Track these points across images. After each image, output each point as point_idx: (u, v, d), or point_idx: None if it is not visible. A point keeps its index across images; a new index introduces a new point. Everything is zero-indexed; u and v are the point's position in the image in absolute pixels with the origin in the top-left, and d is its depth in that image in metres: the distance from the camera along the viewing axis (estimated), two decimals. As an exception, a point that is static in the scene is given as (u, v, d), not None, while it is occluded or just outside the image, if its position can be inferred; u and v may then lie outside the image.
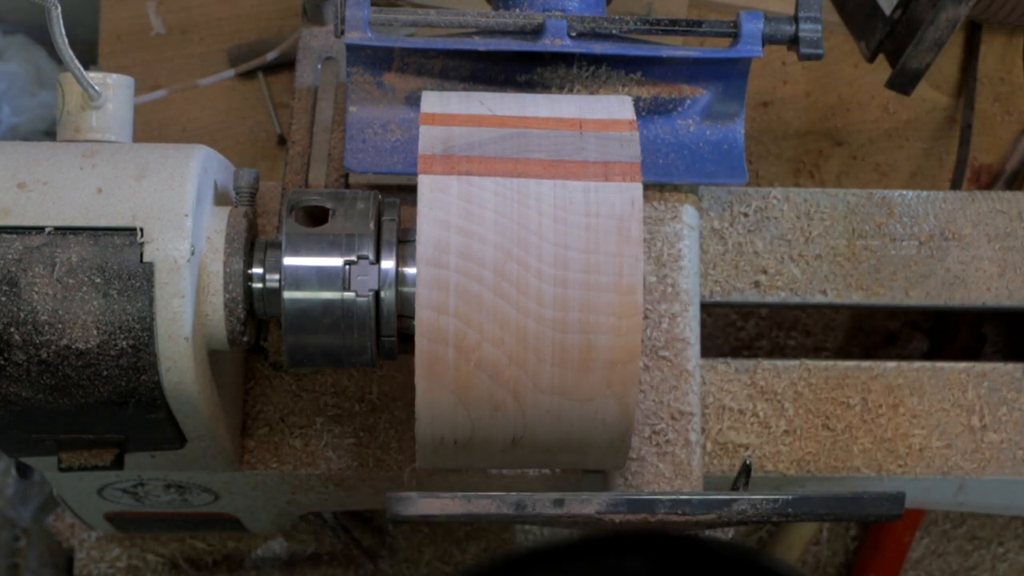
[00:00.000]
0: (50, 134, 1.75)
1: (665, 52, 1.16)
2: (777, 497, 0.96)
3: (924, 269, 1.26)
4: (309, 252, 1.01)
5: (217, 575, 1.57)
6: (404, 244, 1.02)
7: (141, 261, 0.97)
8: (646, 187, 1.17)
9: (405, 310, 1.01)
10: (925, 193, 1.28)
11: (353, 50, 1.15)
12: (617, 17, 1.16)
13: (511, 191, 0.96)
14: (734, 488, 1.10)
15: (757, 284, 1.25)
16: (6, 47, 1.77)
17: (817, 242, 1.26)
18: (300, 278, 1.01)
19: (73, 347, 0.97)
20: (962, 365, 1.26)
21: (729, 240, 1.25)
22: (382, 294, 1.01)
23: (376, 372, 1.22)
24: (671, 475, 1.14)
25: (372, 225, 1.02)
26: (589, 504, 0.95)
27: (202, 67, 1.60)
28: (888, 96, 1.60)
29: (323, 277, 1.01)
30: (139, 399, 1.00)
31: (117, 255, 0.97)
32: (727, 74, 1.17)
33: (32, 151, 1.01)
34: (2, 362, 0.97)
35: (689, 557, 0.74)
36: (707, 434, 1.22)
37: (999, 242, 1.27)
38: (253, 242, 1.05)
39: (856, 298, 1.26)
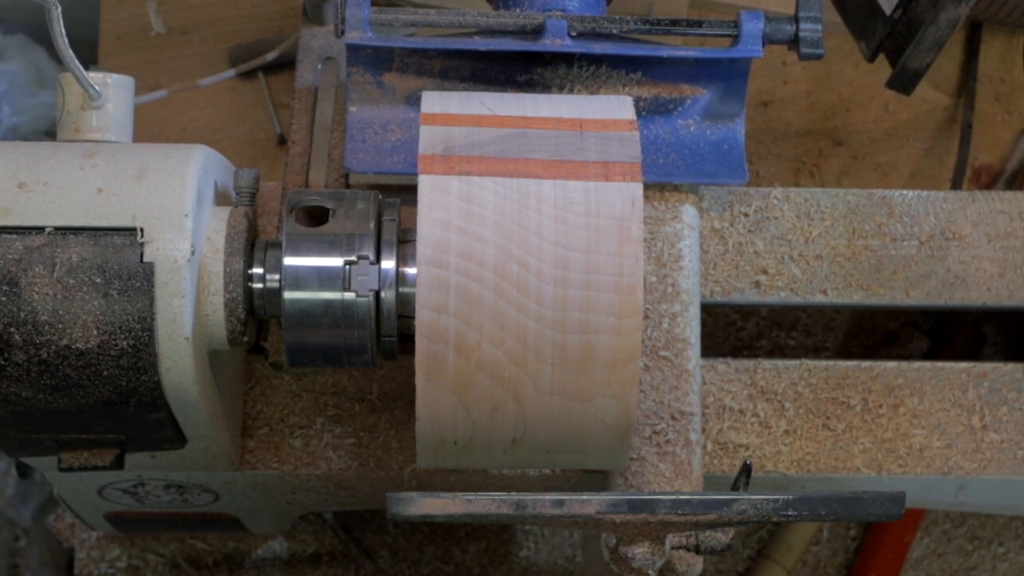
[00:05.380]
0: (50, 134, 1.75)
1: (665, 52, 1.16)
2: (777, 497, 0.96)
3: (924, 269, 1.26)
4: (309, 252, 1.01)
5: (217, 575, 1.57)
6: (404, 244, 1.02)
7: (141, 261, 0.97)
8: (646, 187, 1.17)
9: (405, 310, 1.01)
10: (925, 193, 1.28)
11: (353, 50, 1.15)
12: (617, 17, 1.16)
13: (511, 191, 0.96)
14: (734, 488, 1.10)
15: (757, 284, 1.25)
16: (6, 47, 1.77)
17: (817, 242, 1.26)
18: (300, 278, 1.01)
19: (73, 347, 0.97)
20: (962, 365, 1.26)
21: (729, 240, 1.25)
22: (382, 294, 1.01)
23: (376, 372, 1.22)
24: (671, 475, 1.14)
25: (372, 225, 1.02)
26: (589, 504, 0.95)
27: (202, 67, 1.60)
28: (888, 96, 1.60)
29: (323, 277, 1.01)
30: (139, 399, 1.00)
31: (117, 255, 0.97)
32: (727, 74, 1.17)
33: (32, 151, 1.01)
34: (2, 362, 0.97)
35: None
36: (707, 434, 1.22)
37: (999, 242, 1.27)
38: (253, 242, 1.05)
39: (856, 298, 1.26)
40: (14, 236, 0.97)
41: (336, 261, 1.01)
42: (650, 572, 1.04)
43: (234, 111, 1.60)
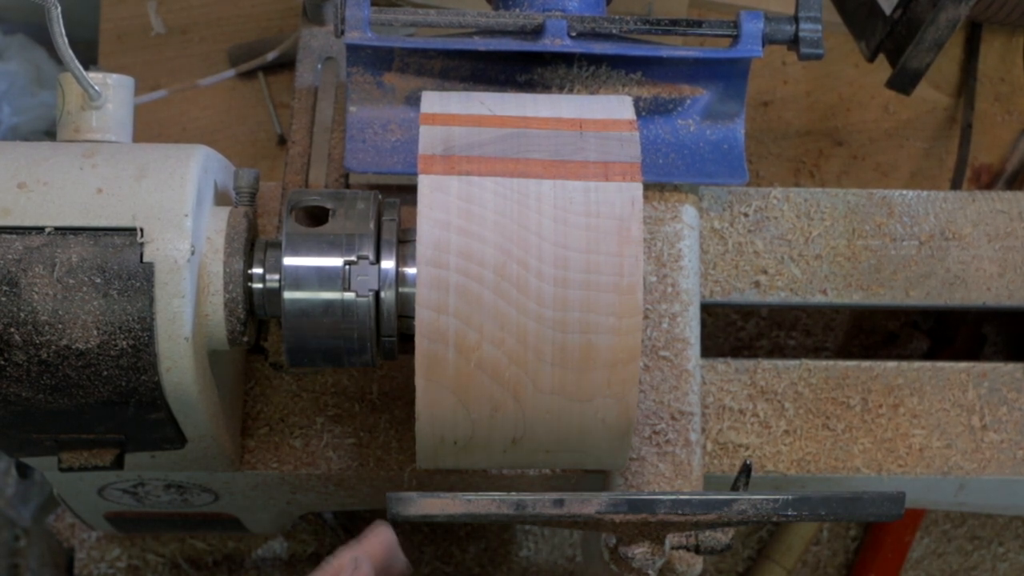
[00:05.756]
0: (50, 134, 1.75)
1: (665, 52, 1.16)
2: (777, 497, 0.96)
3: (924, 269, 1.26)
4: (309, 252, 1.01)
5: (217, 575, 1.57)
6: (404, 244, 1.02)
7: (141, 261, 0.97)
8: (646, 187, 1.17)
9: (405, 310, 1.01)
10: (925, 193, 1.28)
11: (353, 50, 1.15)
12: (617, 17, 1.16)
13: (511, 191, 0.96)
14: (734, 488, 1.10)
15: (757, 284, 1.25)
16: (6, 47, 1.77)
17: (817, 242, 1.26)
18: (300, 278, 1.01)
19: (73, 347, 0.97)
20: (962, 365, 1.26)
21: (729, 240, 1.25)
22: (382, 294, 1.01)
23: (376, 372, 1.22)
24: (671, 475, 1.14)
25: (372, 225, 1.02)
26: (589, 504, 0.95)
27: (202, 67, 1.60)
28: (888, 96, 1.60)
29: (323, 277, 1.01)
30: (139, 399, 1.00)
31: (117, 255, 0.97)
32: (727, 74, 1.17)
33: (32, 151, 1.01)
34: (2, 362, 0.97)
35: None
36: (707, 434, 1.22)
37: (999, 242, 1.27)
38: (253, 242, 1.05)
39: (856, 298, 1.26)
40: (14, 236, 0.97)
41: (336, 261, 1.01)
42: (650, 572, 1.04)
43: (234, 111, 1.60)
